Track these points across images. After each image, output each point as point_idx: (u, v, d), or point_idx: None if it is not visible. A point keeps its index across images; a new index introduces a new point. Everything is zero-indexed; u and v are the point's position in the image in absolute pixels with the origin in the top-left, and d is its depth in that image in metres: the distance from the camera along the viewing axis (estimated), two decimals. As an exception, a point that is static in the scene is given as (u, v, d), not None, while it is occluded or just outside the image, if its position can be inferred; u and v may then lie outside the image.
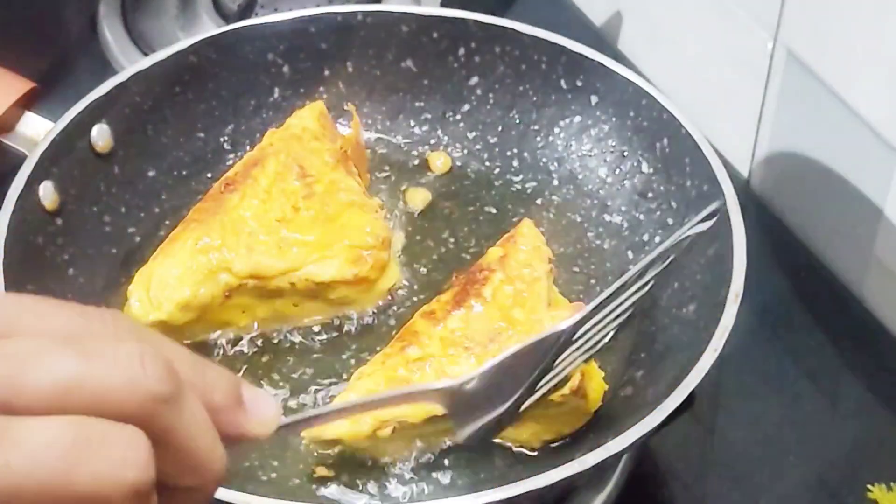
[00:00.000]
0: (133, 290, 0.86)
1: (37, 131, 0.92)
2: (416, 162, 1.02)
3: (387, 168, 1.01)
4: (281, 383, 0.86)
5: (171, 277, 0.85)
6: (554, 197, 0.99)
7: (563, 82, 0.99)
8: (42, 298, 0.44)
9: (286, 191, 0.90)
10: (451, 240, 0.95)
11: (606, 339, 0.75)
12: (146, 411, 0.42)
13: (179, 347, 0.46)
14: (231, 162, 1.00)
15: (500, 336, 0.81)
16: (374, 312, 0.90)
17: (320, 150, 0.93)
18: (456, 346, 0.81)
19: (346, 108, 1.00)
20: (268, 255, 0.86)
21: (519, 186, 1.00)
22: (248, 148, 1.01)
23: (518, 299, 0.83)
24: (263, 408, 0.48)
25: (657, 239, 0.93)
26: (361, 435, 0.79)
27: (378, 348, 0.85)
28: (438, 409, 0.67)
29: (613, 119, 0.98)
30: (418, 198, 0.99)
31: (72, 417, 0.41)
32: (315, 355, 0.88)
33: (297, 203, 0.89)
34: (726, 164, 0.92)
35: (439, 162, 1.01)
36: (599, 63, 0.98)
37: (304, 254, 0.87)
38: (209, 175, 0.99)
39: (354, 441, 0.80)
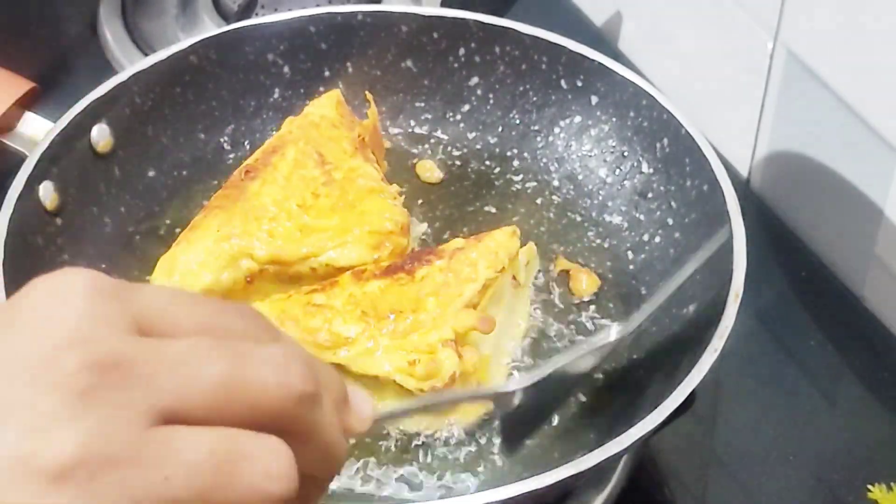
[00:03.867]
0: (156, 276, 0.87)
1: (37, 131, 0.92)
2: (416, 161, 1.02)
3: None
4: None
5: (193, 264, 0.86)
6: (554, 197, 0.99)
7: (563, 82, 0.99)
8: (180, 291, 0.44)
9: (306, 178, 0.91)
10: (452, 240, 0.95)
11: None
12: (293, 411, 0.43)
13: (300, 346, 0.47)
14: (231, 162, 1.01)
15: (400, 317, 0.82)
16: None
17: (339, 137, 0.94)
18: (356, 308, 0.82)
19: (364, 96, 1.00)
20: (289, 240, 0.87)
21: (519, 186, 1.00)
22: (247, 148, 1.01)
23: (441, 291, 0.83)
24: (363, 405, 0.49)
25: (657, 239, 0.93)
26: None
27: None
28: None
29: (613, 119, 0.98)
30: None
31: (222, 429, 0.41)
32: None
33: (316, 190, 0.90)
34: (726, 164, 0.92)
35: (427, 174, 1.01)
36: (599, 63, 0.98)
37: (324, 239, 0.87)
38: (209, 175, 0.99)
39: None
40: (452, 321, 0.81)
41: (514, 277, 0.88)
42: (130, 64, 1.02)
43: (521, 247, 0.89)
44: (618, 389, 0.86)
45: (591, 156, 0.99)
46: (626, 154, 0.97)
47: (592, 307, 0.91)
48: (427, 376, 0.80)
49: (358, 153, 0.94)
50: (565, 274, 0.93)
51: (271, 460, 0.41)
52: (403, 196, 0.94)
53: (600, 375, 0.87)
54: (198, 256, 0.87)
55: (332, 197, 0.90)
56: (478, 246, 0.85)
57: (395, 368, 0.80)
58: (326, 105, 0.96)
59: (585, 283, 0.92)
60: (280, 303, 0.85)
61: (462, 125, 1.03)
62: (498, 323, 0.84)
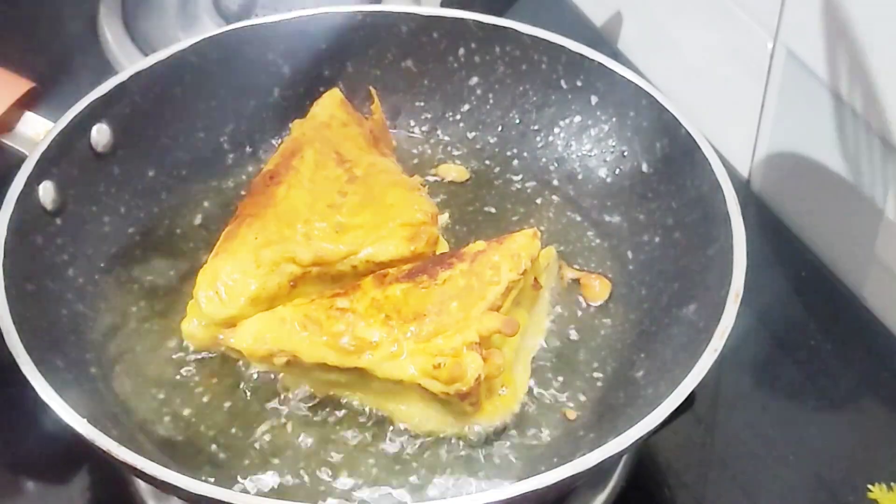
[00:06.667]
0: (199, 290, 0.87)
1: (37, 131, 0.92)
2: (416, 161, 1.02)
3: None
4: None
5: (237, 273, 0.86)
6: (554, 197, 0.99)
7: (563, 82, 0.99)
8: None
9: (329, 178, 0.91)
10: (452, 239, 0.95)
11: None
12: None
13: None
14: (231, 162, 1.01)
15: (424, 320, 0.82)
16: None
17: (352, 135, 0.95)
18: (379, 312, 0.82)
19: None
20: (327, 240, 0.87)
21: (519, 186, 1.00)
22: (247, 148, 1.01)
23: (464, 294, 0.83)
24: None
25: (657, 239, 0.93)
26: (257, 354, 0.84)
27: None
28: None
29: (613, 119, 0.98)
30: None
31: None
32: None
33: (342, 188, 0.90)
34: (726, 164, 0.92)
35: (453, 174, 1.01)
36: (599, 63, 0.98)
37: (361, 236, 0.88)
38: (209, 175, 0.99)
39: (251, 357, 0.85)
40: (476, 324, 0.81)
41: (535, 280, 0.88)
42: (130, 64, 1.02)
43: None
44: (618, 389, 0.86)
45: (591, 156, 0.99)
46: (626, 154, 0.97)
47: (593, 307, 0.91)
48: (452, 380, 0.80)
49: (372, 149, 0.94)
50: (576, 283, 0.93)
51: None
52: (426, 187, 0.94)
53: (600, 374, 0.87)
54: (240, 266, 0.86)
55: (359, 194, 0.90)
56: (499, 248, 0.85)
57: (420, 372, 0.80)
58: (331, 105, 0.97)
59: (598, 287, 0.92)
60: (303, 307, 0.85)
61: (462, 125, 1.03)
62: (520, 325, 0.84)
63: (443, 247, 0.91)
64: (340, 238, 0.88)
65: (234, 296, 0.86)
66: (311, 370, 0.83)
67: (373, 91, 0.99)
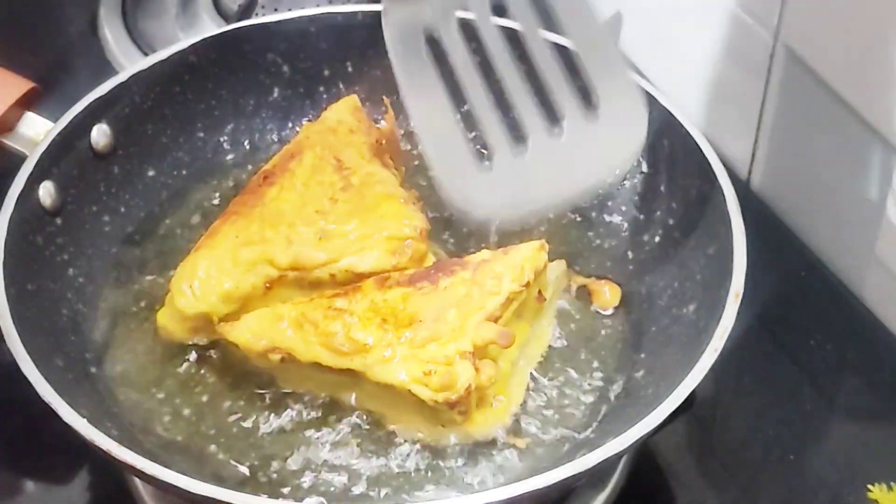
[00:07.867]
0: (176, 282, 0.87)
1: (37, 131, 0.92)
2: (417, 162, 1.02)
3: (387, 168, 1.01)
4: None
5: (213, 270, 0.86)
6: (554, 197, 0.99)
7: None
8: None
9: (324, 183, 0.91)
10: (452, 240, 0.95)
11: None
12: None
13: None
14: (230, 161, 1.01)
15: (420, 326, 0.82)
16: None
17: (356, 142, 0.94)
18: (376, 315, 0.82)
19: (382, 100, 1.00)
20: (308, 246, 0.87)
21: (519, 186, 1.00)
22: (247, 147, 1.01)
23: (463, 303, 0.82)
24: None
25: (657, 239, 0.93)
26: (254, 349, 0.84)
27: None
28: None
29: (613, 119, 0.98)
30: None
31: None
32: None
33: (334, 195, 0.90)
34: (726, 164, 0.92)
35: None
36: (599, 63, 0.97)
37: (343, 245, 0.87)
38: (209, 175, 0.99)
39: (248, 352, 0.85)
40: (472, 333, 0.81)
41: (539, 292, 0.87)
42: (130, 64, 1.02)
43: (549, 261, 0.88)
44: (618, 389, 0.86)
45: (591, 156, 0.99)
46: (626, 154, 0.97)
47: (594, 307, 0.91)
48: (442, 388, 0.79)
49: (376, 158, 0.94)
50: (584, 289, 0.92)
51: None
52: (422, 202, 0.94)
53: (600, 374, 0.87)
54: (217, 262, 0.86)
55: (351, 202, 0.90)
56: (504, 259, 0.85)
57: (411, 378, 0.80)
58: (344, 110, 0.97)
59: (609, 293, 0.92)
60: (302, 306, 0.85)
61: (462, 125, 1.03)
62: (519, 338, 0.84)
63: (430, 262, 0.91)
64: (322, 245, 0.87)
65: (207, 292, 0.86)
66: (307, 369, 0.83)
67: (387, 101, 0.98)
